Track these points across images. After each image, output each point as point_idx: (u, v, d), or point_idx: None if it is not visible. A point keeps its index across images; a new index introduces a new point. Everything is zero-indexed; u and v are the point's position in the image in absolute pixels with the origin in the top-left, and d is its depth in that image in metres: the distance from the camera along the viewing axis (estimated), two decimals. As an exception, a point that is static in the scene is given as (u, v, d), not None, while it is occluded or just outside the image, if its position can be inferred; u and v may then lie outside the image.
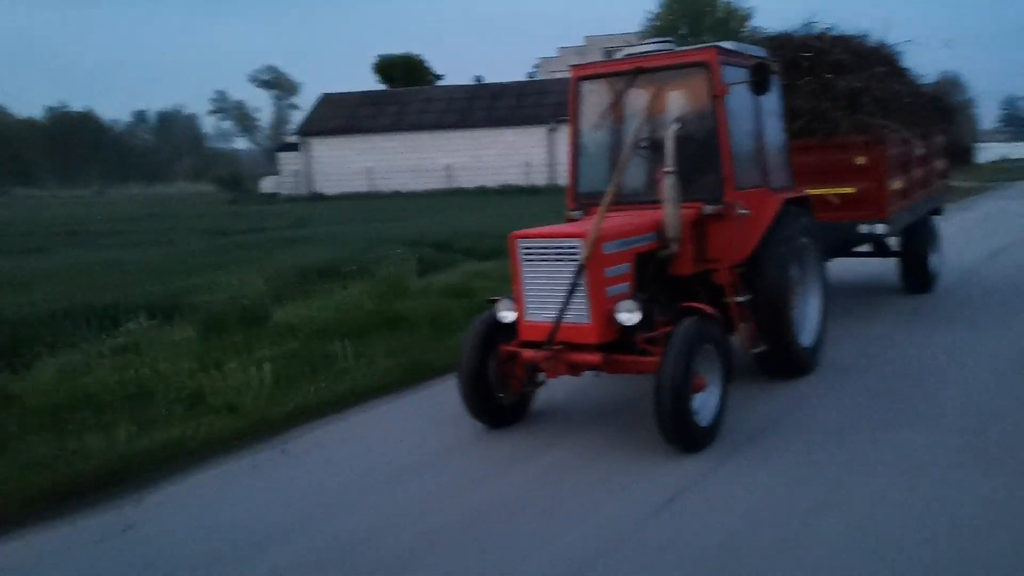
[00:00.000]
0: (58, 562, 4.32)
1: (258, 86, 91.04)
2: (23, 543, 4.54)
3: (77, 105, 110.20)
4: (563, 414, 6.27)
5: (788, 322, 6.41)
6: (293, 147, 46.12)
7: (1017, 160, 57.24)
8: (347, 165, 42.51)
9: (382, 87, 51.45)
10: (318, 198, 40.69)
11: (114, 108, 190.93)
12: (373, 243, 15.32)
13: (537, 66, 62.77)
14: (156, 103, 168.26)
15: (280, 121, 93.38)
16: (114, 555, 4.33)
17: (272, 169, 52.71)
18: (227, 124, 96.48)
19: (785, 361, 6.56)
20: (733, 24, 42.71)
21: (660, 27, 43.31)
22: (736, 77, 6.14)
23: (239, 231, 22.24)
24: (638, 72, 6.30)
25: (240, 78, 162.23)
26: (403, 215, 25.55)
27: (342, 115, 44.25)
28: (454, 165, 41.33)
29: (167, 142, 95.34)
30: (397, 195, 39.86)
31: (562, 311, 5.28)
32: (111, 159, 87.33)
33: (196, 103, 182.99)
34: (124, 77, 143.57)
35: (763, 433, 5.57)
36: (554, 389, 6.36)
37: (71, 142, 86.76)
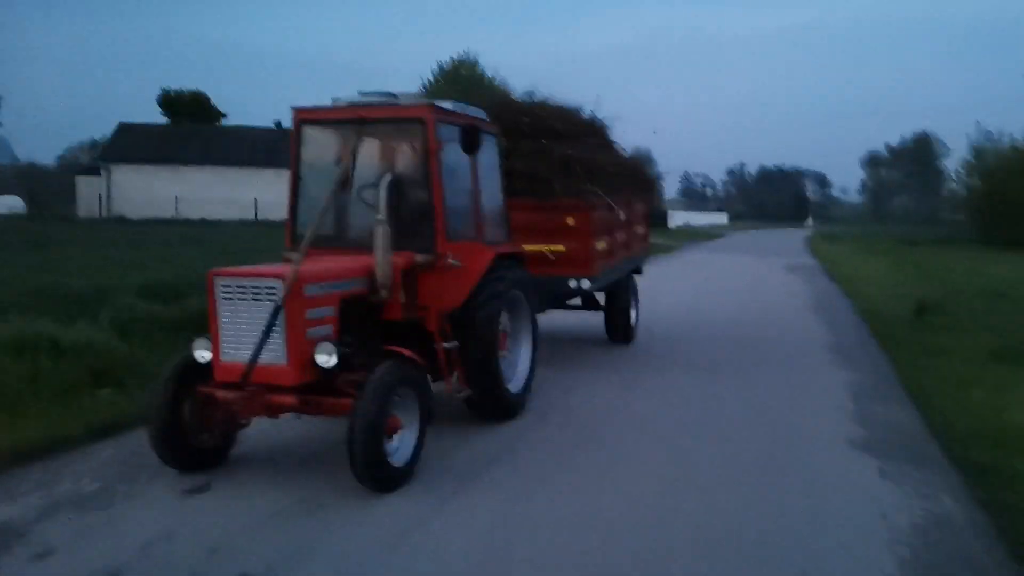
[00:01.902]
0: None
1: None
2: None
3: None
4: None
5: (496, 368, 5.89)
6: (93, 170, 43.09)
7: (698, 226, 64.41)
8: (152, 192, 40.21)
9: (164, 120, 47.41)
10: (122, 221, 37.52)
11: None
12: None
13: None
14: None
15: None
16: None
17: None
18: None
19: (493, 405, 6.04)
20: (497, 97, 43.49)
21: (433, 93, 43.24)
22: (452, 135, 5.59)
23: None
24: (359, 122, 5.57)
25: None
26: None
27: (147, 145, 42.40)
28: (262, 199, 40.05)
29: None
30: (205, 222, 37.45)
31: (258, 352, 4.55)
32: None
33: None
34: None
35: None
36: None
37: None
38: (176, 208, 40.27)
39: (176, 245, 20.74)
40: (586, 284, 7.82)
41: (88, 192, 42.14)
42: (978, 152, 37.61)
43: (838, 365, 8.65)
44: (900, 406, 6.87)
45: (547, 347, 9.09)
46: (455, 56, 43.40)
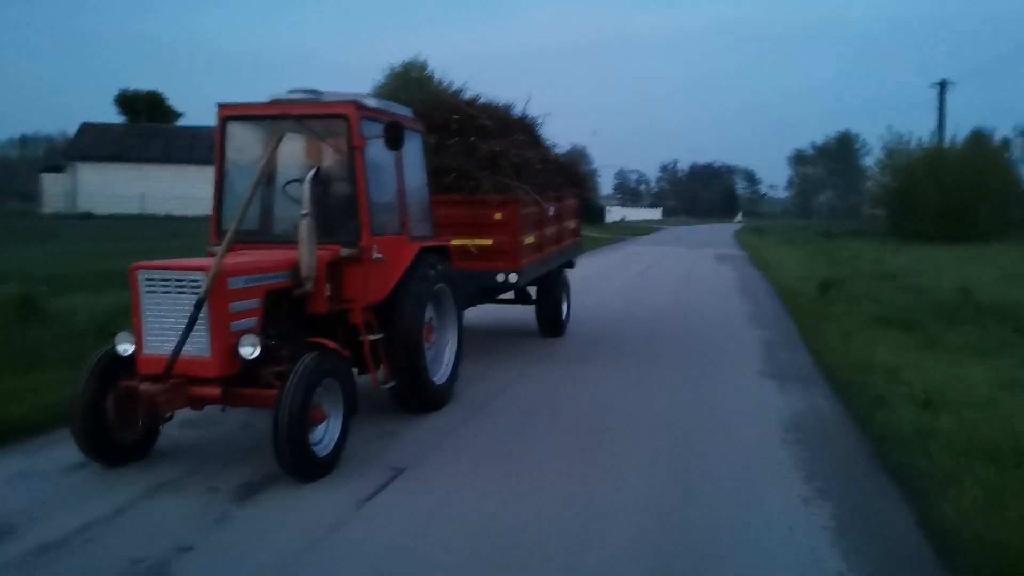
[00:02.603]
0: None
1: None
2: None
3: None
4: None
5: (420, 360, 5.84)
6: (57, 168, 42.71)
7: (634, 221, 65.20)
8: (116, 189, 40.00)
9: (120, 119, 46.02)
10: (88, 217, 37.32)
11: None
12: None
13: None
14: None
15: None
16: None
17: None
18: None
19: (418, 396, 5.98)
20: (440, 97, 43.10)
21: (384, 95, 42.53)
22: (375, 131, 5.51)
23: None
24: (283, 118, 5.45)
25: None
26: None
27: (110, 144, 42.26)
28: (225, 196, 40.01)
29: None
30: (171, 218, 37.33)
31: (181, 344, 4.45)
32: None
33: None
34: None
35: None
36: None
37: None
38: (142, 205, 39.79)
39: (172, 236, 21.03)
40: (513, 278, 7.79)
41: (51, 189, 41.67)
42: (890, 152, 39.02)
43: (755, 327, 10.62)
44: (798, 352, 8.85)
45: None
46: (405, 59, 42.89)
